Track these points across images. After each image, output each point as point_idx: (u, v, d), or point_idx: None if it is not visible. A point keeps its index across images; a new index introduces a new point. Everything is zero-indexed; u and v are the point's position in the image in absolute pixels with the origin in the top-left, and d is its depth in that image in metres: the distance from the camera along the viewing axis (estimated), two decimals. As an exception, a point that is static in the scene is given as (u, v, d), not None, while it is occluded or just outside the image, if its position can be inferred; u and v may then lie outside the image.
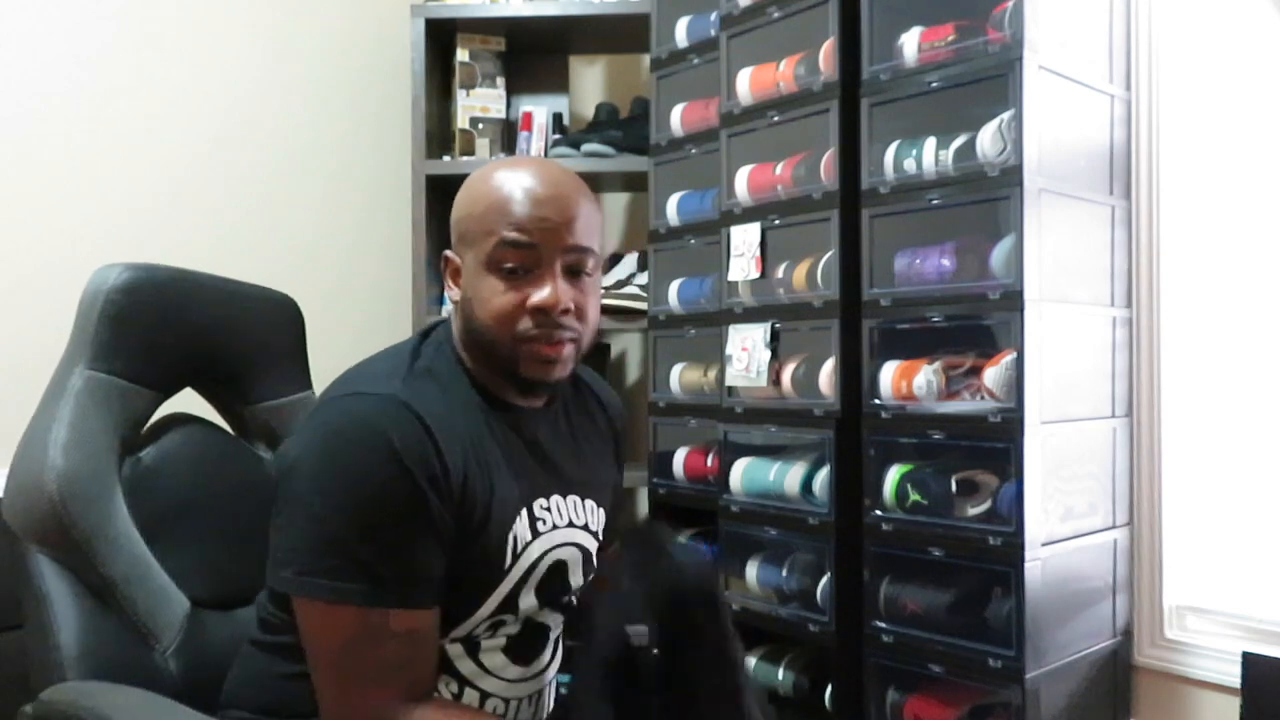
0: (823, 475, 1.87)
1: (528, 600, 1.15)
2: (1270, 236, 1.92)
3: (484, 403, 1.14)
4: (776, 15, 2.00)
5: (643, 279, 2.45)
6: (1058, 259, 1.70)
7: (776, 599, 1.95)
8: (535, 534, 1.15)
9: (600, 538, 1.25)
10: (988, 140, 1.68)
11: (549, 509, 1.18)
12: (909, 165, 1.78)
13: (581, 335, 1.14)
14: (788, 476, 1.92)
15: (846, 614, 1.82)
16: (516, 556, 1.13)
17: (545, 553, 1.16)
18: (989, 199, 1.68)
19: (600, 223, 1.18)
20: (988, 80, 1.68)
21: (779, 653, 1.99)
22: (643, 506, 2.65)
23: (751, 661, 2.00)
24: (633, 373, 2.93)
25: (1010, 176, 1.64)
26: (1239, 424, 1.93)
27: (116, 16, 2.40)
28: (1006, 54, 1.66)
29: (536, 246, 1.09)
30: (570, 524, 1.20)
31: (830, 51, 1.89)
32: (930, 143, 1.75)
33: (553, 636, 1.22)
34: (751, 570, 1.99)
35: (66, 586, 1.17)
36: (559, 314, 1.10)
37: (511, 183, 1.11)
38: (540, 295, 1.09)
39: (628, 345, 2.91)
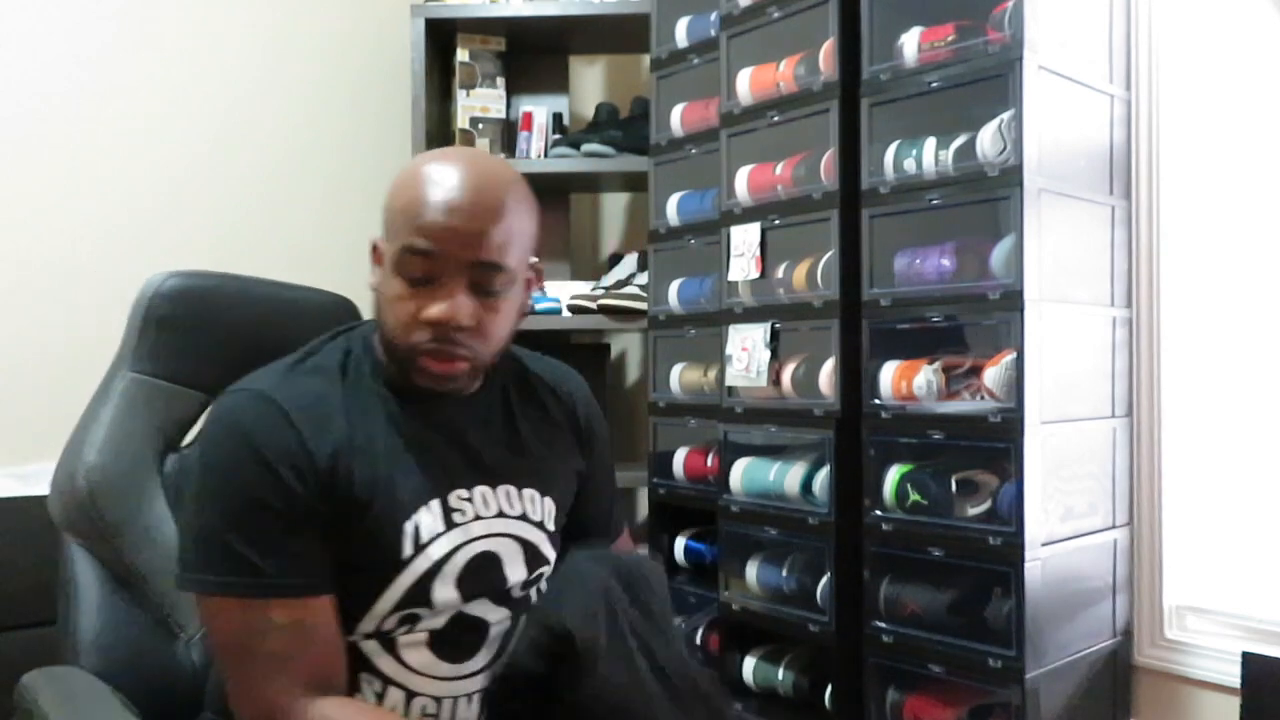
0: (823, 475, 1.87)
1: (444, 594, 1.10)
2: (1270, 236, 1.92)
3: (392, 394, 1.13)
4: (776, 15, 2.00)
5: (643, 279, 2.45)
6: (1058, 259, 1.70)
7: (776, 599, 1.95)
8: (451, 525, 1.11)
9: (550, 528, 1.21)
10: (988, 140, 1.68)
11: (469, 499, 1.14)
12: (909, 165, 1.78)
13: (478, 356, 1.10)
14: (788, 476, 1.92)
15: (846, 614, 1.82)
16: (421, 548, 1.09)
17: (462, 544, 1.11)
18: (989, 199, 1.68)
19: (527, 235, 1.13)
20: (988, 80, 1.68)
21: (779, 653, 1.99)
22: (643, 506, 2.65)
23: (751, 662, 2.01)
24: (633, 373, 2.93)
25: (1010, 176, 1.64)
26: (1239, 424, 1.93)
27: (116, 16, 2.40)
28: (1006, 54, 1.66)
29: (440, 256, 1.05)
30: (500, 514, 1.16)
31: (830, 51, 1.89)
32: (930, 143, 1.75)
33: (494, 632, 1.16)
34: (751, 570, 1.99)
35: (94, 575, 1.24)
36: (453, 331, 1.06)
37: (431, 182, 1.06)
38: (437, 309, 1.05)
39: (628, 345, 2.91)
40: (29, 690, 1.13)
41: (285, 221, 2.58)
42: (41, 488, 1.96)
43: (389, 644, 1.10)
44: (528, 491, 1.19)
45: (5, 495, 1.96)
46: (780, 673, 1.96)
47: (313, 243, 2.61)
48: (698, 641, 2.12)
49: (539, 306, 2.46)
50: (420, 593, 1.09)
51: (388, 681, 1.11)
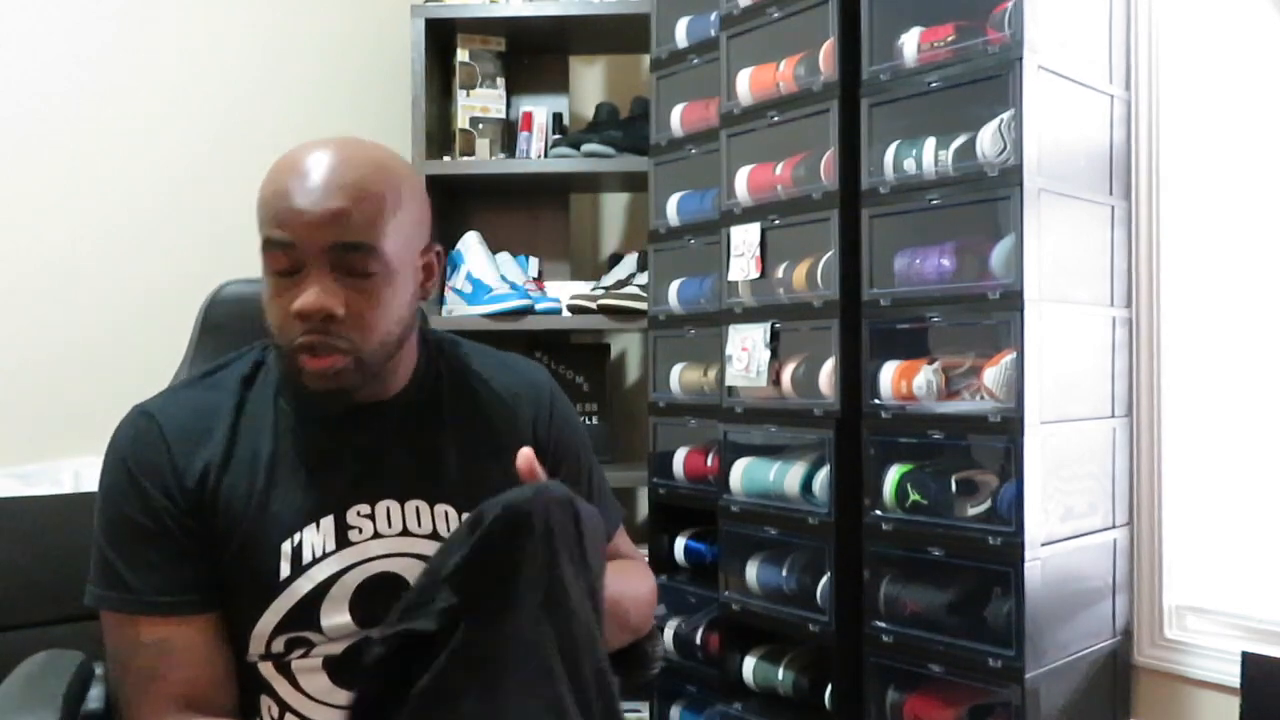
0: (823, 475, 1.87)
1: (335, 619, 1.04)
2: (1270, 237, 1.92)
3: (289, 406, 1.08)
4: (776, 15, 2.00)
5: (642, 279, 2.45)
6: (1057, 259, 1.70)
7: (776, 599, 1.95)
8: (345, 544, 1.05)
9: None
10: (988, 140, 1.68)
11: (370, 516, 1.07)
12: (909, 165, 1.78)
13: (358, 348, 1.01)
14: (788, 476, 1.92)
15: (846, 614, 1.82)
16: (303, 569, 1.03)
17: (355, 565, 1.05)
18: (989, 199, 1.68)
19: (410, 219, 1.04)
20: (987, 80, 1.68)
21: (779, 653, 1.99)
22: (643, 506, 2.65)
23: (751, 662, 2.01)
24: (633, 373, 2.93)
25: (1010, 176, 1.64)
26: (1239, 424, 1.93)
27: (116, 16, 2.40)
28: (1006, 54, 1.66)
29: (295, 245, 0.98)
30: (405, 532, 1.07)
31: (830, 52, 1.89)
32: (930, 143, 1.75)
33: None
34: (751, 570, 1.99)
35: None
36: (320, 321, 0.99)
37: (288, 170, 1.00)
38: (301, 300, 0.98)
39: (628, 345, 2.91)
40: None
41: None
42: (42, 488, 1.97)
43: (283, 668, 1.06)
44: (441, 508, 1.10)
45: (5, 495, 1.95)
46: (780, 673, 1.96)
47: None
48: (698, 641, 2.12)
49: (539, 307, 2.46)
50: (305, 616, 1.03)
51: (285, 708, 1.06)
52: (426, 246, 1.10)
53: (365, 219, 1.00)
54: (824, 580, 1.86)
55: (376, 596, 1.05)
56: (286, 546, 1.04)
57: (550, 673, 0.92)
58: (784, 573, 1.94)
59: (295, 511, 1.05)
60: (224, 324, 1.33)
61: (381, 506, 1.08)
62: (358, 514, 1.07)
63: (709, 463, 2.15)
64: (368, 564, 1.06)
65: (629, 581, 1.21)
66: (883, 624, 1.78)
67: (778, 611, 1.94)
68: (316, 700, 1.06)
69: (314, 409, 1.08)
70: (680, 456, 2.22)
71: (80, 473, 2.14)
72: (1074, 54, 1.78)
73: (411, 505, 1.09)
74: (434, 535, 1.09)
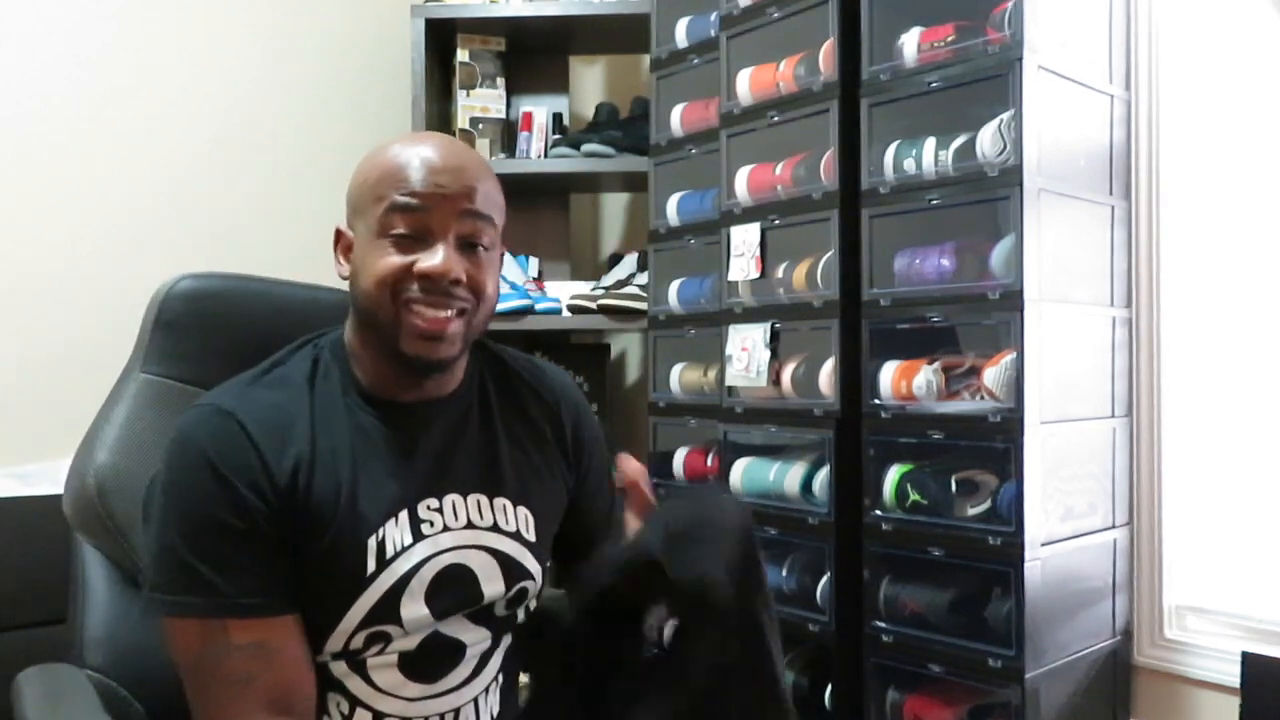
0: (822, 475, 1.87)
1: (414, 611, 1.05)
2: (1270, 237, 1.92)
3: (361, 401, 1.09)
4: (776, 15, 2.00)
5: (643, 279, 2.45)
6: (1057, 259, 1.70)
7: (776, 599, 1.95)
8: (419, 537, 1.07)
9: (530, 538, 1.15)
10: (987, 140, 1.68)
11: (439, 510, 1.09)
12: (909, 165, 1.78)
13: (473, 310, 1.07)
14: (788, 476, 1.92)
15: (846, 614, 1.82)
16: (386, 562, 1.05)
17: (430, 557, 1.07)
18: (989, 199, 1.68)
19: (503, 202, 1.12)
20: (987, 80, 1.68)
21: (779, 653, 1.99)
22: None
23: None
24: (633, 373, 2.93)
25: (1010, 176, 1.64)
26: (1239, 424, 1.93)
27: (116, 16, 2.40)
28: (1006, 54, 1.66)
29: (428, 211, 1.04)
30: (469, 525, 1.10)
31: (830, 52, 1.89)
32: (930, 143, 1.75)
33: (472, 653, 1.11)
34: (751, 570, 1.99)
35: (105, 574, 1.24)
36: (449, 283, 1.03)
37: (409, 151, 1.06)
38: (430, 261, 1.02)
39: (628, 345, 2.91)
40: (18, 689, 1.13)
41: (285, 221, 2.58)
42: (41, 488, 1.96)
43: (358, 665, 1.06)
44: (499, 501, 1.14)
45: (5, 495, 1.96)
46: (780, 673, 1.96)
47: (312, 243, 2.58)
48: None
49: (539, 307, 2.46)
50: (387, 609, 1.05)
51: (356, 703, 1.07)
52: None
53: (489, 195, 1.08)
54: (824, 580, 1.86)
55: (449, 588, 1.08)
56: (372, 542, 1.05)
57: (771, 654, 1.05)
58: (784, 573, 1.94)
59: (378, 506, 1.06)
60: (184, 318, 1.28)
61: (448, 500, 1.11)
62: (427, 508, 1.09)
63: (709, 463, 2.15)
64: (441, 556, 1.08)
65: None
66: (883, 624, 1.78)
67: (777, 612, 1.94)
68: (387, 693, 1.07)
69: (384, 406, 1.10)
70: (680, 456, 2.22)
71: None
72: (1074, 54, 1.78)
73: (474, 499, 1.12)
74: (495, 528, 1.12)
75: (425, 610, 1.06)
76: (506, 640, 1.17)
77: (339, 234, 1.12)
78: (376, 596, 1.04)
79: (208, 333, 1.30)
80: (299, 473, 1.03)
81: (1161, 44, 1.88)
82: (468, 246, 1.06)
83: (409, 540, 1.06)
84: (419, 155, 1.06)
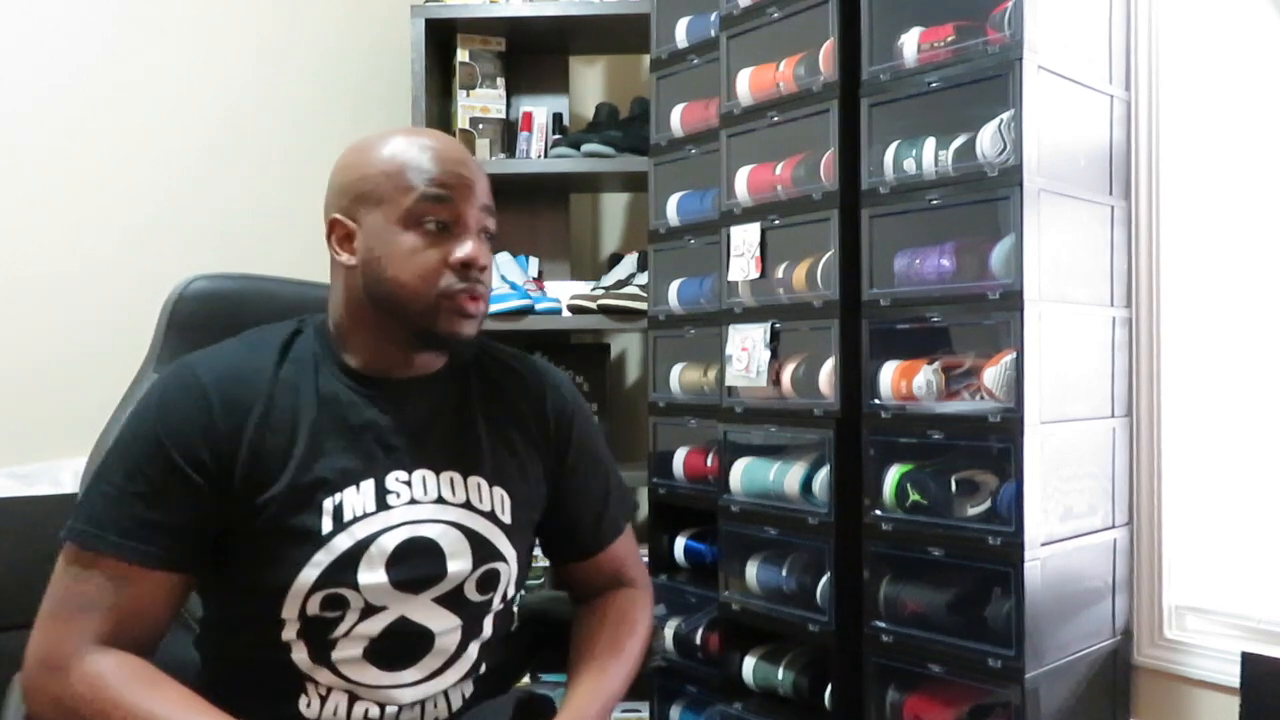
0: (822, 475, 1.87)
1: (372, 577, 1.07)
2: (1270, 237, 1.92)
3: (339, 372, 1.13)
4: (776, 15, 2.00)
5: (642, 279, 2.45)
6: (1057, 259, 1.70)
7: (776, 599, 1.95)
8: (383, 506, 1.09)
9: (505, 520, 1.17)
10: (987, 140, 1.68)
11: (408, 483, 1.12)
12: (909, 165, 1.78)
13: (487, 294, 1.16)
14: (788, 476, 1.92)
15: (846, 614, 1.82)
16: (344, 525, 1.07)
17: (394, 527, 1.09)
18: (989, 199, 1.68)
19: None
20: (987, 80, 1.68)
21: (779, 653, 1.99)
22: (643, 507, 2.65)
23: (751, 661, 2.01)
24: (633, 373, 2.93)
25: (1010, 176, 1.64)
26: (1239, 424, 1.93)
27: (116, 16, 2.40)
28: (1006, 54, 1.66)
29: (456, 202, 1.11)
30: (440, 500, 1.13)
31: (830, 52, 1.89)
32: (930, 143, 1.75)
33: (441, 643, 1.12)
34: (751, 570, 1.99)
35: None
36: (478, 270, 1.11)
37: (419, 142, 1.12)
38: (464, 250, 1.10)
39: (628, 345, 2.91)
40: (17, 689, 1.13)
41: (285, 221, 2.58)
42: (42, 488, 1.97)
43: (322, 650, 1.07)
44: (474, 479, 1.16)
45: (5, 495, 1.96)
46: (780, 673, 1.96)
47: (313, 242, 2.58)
48: (698, 641, 2.12)
49: (539, 307, 2.46)
50: (343, 572, 1.06)
51: (324, 699, 1.09)
52: None
53: (489, 188, 1.17)
54: (824, 580, 1.86)
55: (411, 559, 1.10)
56: (328, 503, 1.07)
57: None
58: (784, 573, 1.94)
59: (338, 473, 1.09)
60: (191, 322, 1.30)
61: (418, 475, 1.13)
62: (396, 479, 1.12)
63: (709, 463, 2.15)
64: (404, 527, 1.10)
65: (623, 662, 1.25)
66: (882, 624, 1.78)
67: (777, 611, 1.94)
68: (357, 683, 1.09)
69: (364, 382, 1.14)
70: (680, 456, 2.22)
71: (80, 473, 2.13)
72: (1074, 54, 1.78)
73: (446, 476, 1.15)
74: (467, 505, 1.15)
75: (384, 578, 1.08)
76: (485, 633, 1.17)
77: (335, 223, 1.14)
78: (332, 557, 1.06)
79: (221, 333, 1.29)
80: (248, 425, 1.06)
81: (1161, 44, 1.88)
82: (483, 235, 1.14)
83: (371, 508, 1.09)
84: (431, 147, 1.12)
